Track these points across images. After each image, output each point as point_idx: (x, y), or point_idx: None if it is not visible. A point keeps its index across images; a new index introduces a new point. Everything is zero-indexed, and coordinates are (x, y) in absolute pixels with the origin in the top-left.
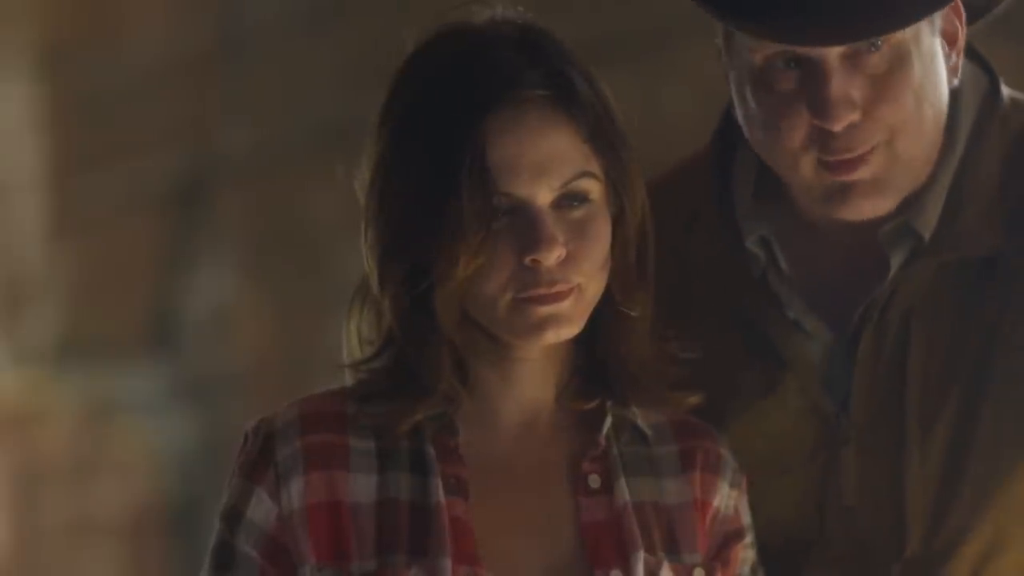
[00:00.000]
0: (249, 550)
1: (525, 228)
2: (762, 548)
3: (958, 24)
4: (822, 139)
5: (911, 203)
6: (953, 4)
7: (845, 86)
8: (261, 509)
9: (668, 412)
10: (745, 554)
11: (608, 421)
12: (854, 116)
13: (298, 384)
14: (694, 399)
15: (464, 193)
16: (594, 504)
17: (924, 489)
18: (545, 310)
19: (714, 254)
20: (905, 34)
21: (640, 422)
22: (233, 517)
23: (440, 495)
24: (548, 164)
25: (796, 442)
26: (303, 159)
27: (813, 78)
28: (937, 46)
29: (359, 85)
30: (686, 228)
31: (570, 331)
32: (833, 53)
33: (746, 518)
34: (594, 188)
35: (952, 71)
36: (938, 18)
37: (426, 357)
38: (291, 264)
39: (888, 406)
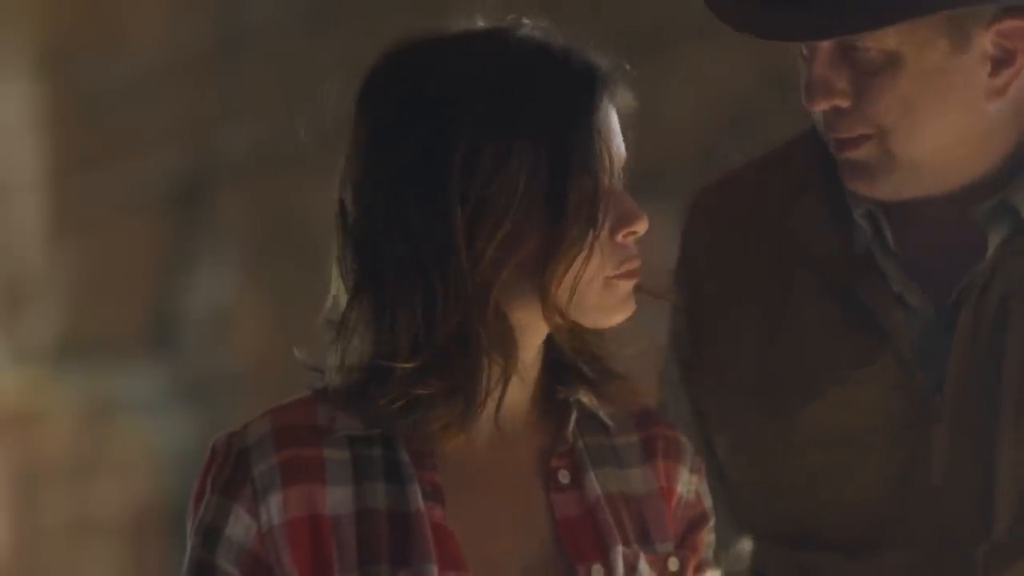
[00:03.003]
0: (230, 567)
1: (616, 204)
2: (837, 525)
3: (1018, 47)
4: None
5: (1010, 180)
6: (1015, 28)
7: (828, 73)
8: (240, 526)
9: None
10: (709, 538)
11: (574, 416)
12: (838, 102)
13: (298, 384)
14: (656, 398)
15: (598, 172)
16: (566, 500)
17: (1016, 472)
18: (630, 285)
19: (819, 226)
20: (900, 45)
21: (601, 413)
22: (211, 534)
23: (419, 502)
24: (621, 142)
25: (886, 417)
26: (303, 159)
27: (807, 60)
28: (963, 67)
29: (359, 85)
30: (792, 200)
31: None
32: (826, 41)
33: (707, 502)
34: None
35: (996, 91)
36: (981, 43)
37: (499, 355)
38: (291, 264)
39: (984, 386)
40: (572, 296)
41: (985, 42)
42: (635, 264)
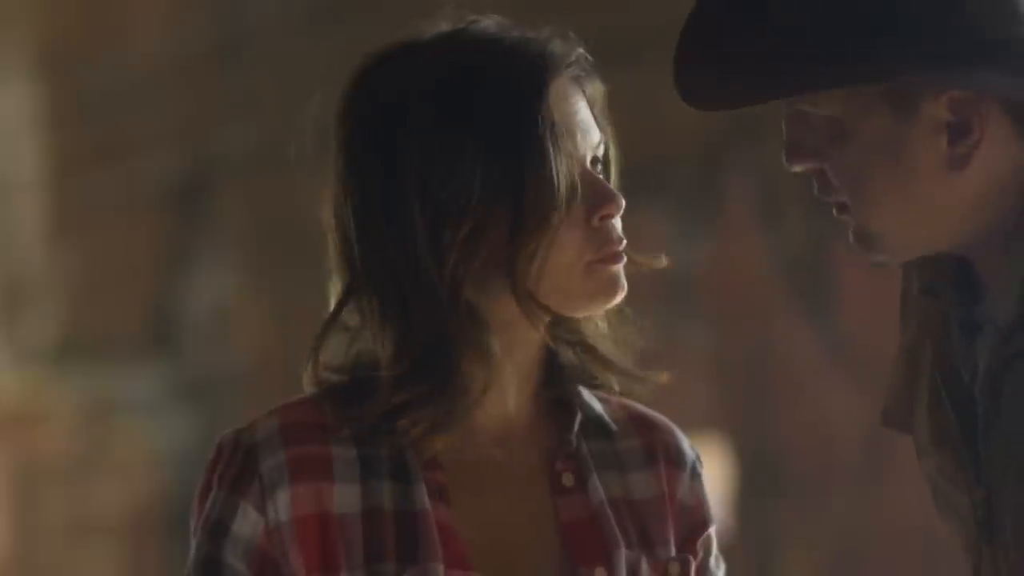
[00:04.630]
0: (238, 564)
1: (587, 189)
2: None
3: (973, 117)
4: None
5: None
6: (967, 96)
7: (795, 135)
8: (248, 523)
9: (628, 407)
10: (709, 543)
11: (578, 419)
12: (812, 164)
13: (298, 384)
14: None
15: (553, 157)
16: (571, 503)
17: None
18: (615, 269)
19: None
20: (840, 112)
21: (605, 417)
22: (218, 530)
23: (425, 502)
24: (591, 127)
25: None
26: (303, 159)
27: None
28: (914, 136)
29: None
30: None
31: (624, 292)
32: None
33: (707, 508)
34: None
35: (957, 161)
36: (933, 111)
37: (477, 356)
38: (291, 264)
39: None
40: (554, 285)
41: (939, 110)
42: (617, 247)
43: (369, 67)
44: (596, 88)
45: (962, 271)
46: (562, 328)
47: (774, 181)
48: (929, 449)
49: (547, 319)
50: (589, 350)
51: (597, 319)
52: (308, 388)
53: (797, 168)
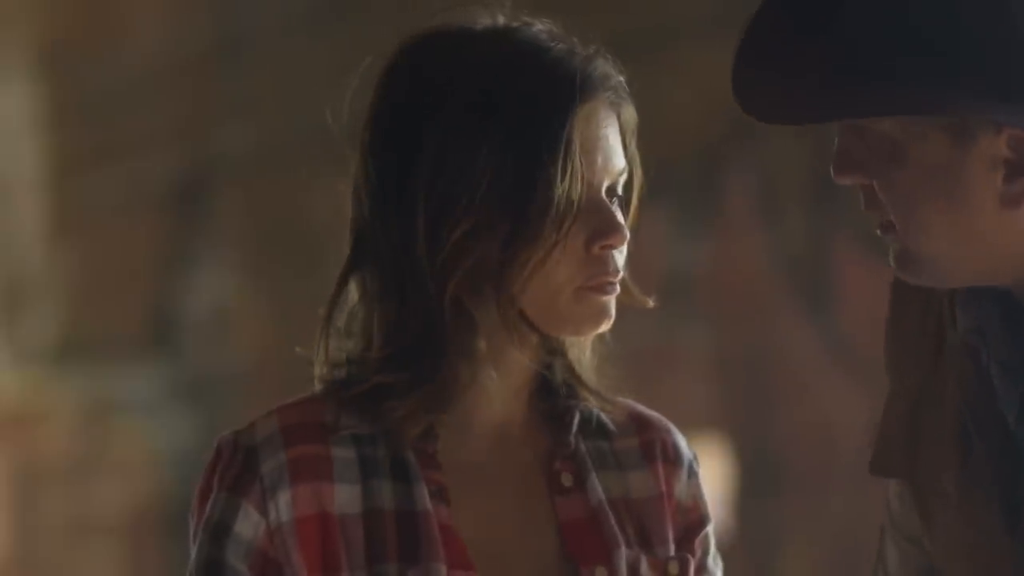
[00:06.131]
0: (240, 565)
1: (593, 215)
2: None
3: None
4: None
5: None
6: None
7: (850, 146)
8: (249, 523)
9: (626, 406)
10: (707, 542)
11: (577, 419)
12: (861, 179)
13: (298, 384)
14: (634, 401)
15: (561, 177)
16: (570, 503)
17: None
18: (606, 299)
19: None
20: (898, 132)
21: (604, 416)
22: (220, 532)
23: (426, 502)
24: (616, 153)
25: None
26: (303, 159)
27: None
28: (968, 167)
29: (359, 85)
30: (949, 297)
31: (612, 322)
32: None
33: (705, 507)
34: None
35: (1011, 199)
36: (992, 146)
37: (462, 354)
38: (291, 264)
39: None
40: (540, 302)
41: (998, 146)
42: (611, 278)
43: (417, 45)
44: (630, 114)
45: (1007, 306)
46: (546, 347)
47: (774, 180)
48: (951, 495)
49: (521, 327)
50: (568, 367)
51: (580, 339)
52: (320, 373)
53: (845, 181)
